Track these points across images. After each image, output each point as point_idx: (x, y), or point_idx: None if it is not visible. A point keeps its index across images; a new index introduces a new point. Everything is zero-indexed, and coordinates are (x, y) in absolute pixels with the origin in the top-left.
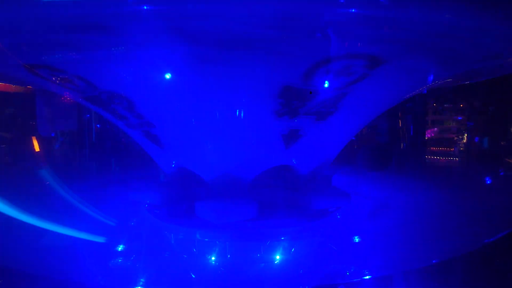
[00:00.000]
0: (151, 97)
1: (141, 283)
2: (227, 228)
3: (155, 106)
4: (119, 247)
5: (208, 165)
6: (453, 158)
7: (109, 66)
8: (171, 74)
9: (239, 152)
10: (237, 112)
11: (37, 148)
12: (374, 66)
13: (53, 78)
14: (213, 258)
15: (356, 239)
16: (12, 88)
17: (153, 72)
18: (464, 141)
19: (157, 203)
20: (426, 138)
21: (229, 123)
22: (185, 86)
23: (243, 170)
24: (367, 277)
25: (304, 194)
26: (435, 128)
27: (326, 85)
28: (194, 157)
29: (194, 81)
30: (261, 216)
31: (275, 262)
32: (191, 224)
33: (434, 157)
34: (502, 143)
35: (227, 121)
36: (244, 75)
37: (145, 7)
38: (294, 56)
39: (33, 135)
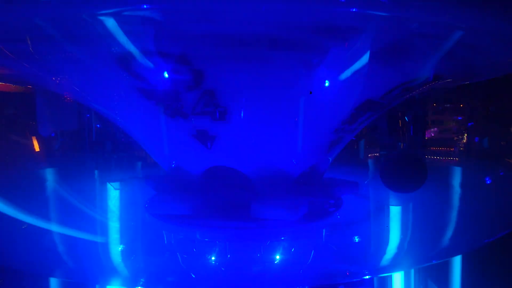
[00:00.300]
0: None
1: (141, 283)
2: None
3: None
4: (120, 247)
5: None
6: (453, 158)
7: None
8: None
9: (172, 150)
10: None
11: (37, 148)
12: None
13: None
14: (213, 258)
15: (356, 239)
16: (11, 88)
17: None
18: (464, 141)
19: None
20: (426, 138)
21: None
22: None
23: (186, 168)
24: (367, 277)
25: (246, 198)
26: (435, 128)
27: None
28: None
29: None
30: (196, 213)
31: (276, 262)
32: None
33: (434, 157)
34: (502, 143)
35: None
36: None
37: None
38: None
39: (33, 135)
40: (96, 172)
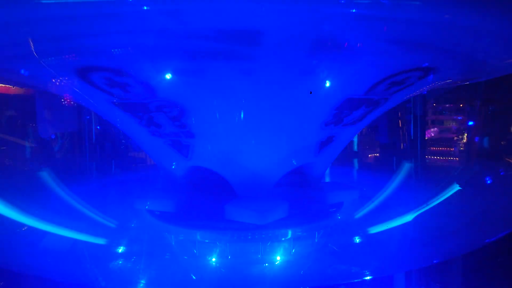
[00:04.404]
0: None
1: (141, 284)
2: None
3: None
4: (119, 248)
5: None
6: (453, 158)
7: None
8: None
9: None
10: None
11: (37, 150)
12: None
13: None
14: (213, 259)
15: (357, 239)
16: (11, 90)
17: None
18: (464, 141)
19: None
20: (426, 138)
21: None
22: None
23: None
24: (368, 277)
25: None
26: (435, 128)
27: None
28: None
29: None
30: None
31: (276, 263)
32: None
33: (434, 157)
34: (502, 142)
35: None
36: None
37: None
38: None
39: (33, 137)
40: (96, 173)
